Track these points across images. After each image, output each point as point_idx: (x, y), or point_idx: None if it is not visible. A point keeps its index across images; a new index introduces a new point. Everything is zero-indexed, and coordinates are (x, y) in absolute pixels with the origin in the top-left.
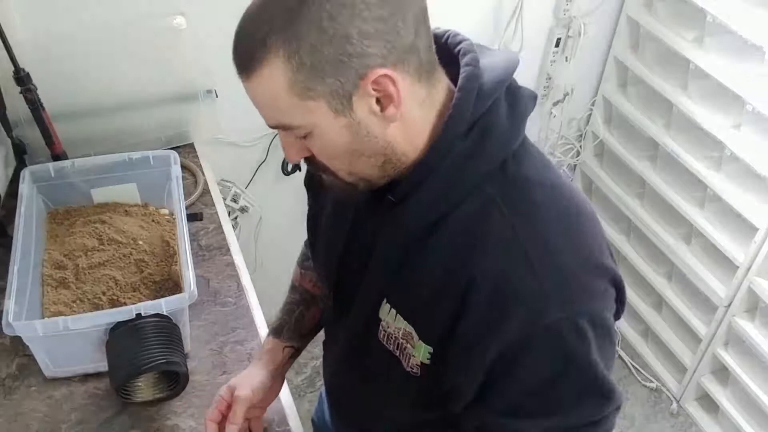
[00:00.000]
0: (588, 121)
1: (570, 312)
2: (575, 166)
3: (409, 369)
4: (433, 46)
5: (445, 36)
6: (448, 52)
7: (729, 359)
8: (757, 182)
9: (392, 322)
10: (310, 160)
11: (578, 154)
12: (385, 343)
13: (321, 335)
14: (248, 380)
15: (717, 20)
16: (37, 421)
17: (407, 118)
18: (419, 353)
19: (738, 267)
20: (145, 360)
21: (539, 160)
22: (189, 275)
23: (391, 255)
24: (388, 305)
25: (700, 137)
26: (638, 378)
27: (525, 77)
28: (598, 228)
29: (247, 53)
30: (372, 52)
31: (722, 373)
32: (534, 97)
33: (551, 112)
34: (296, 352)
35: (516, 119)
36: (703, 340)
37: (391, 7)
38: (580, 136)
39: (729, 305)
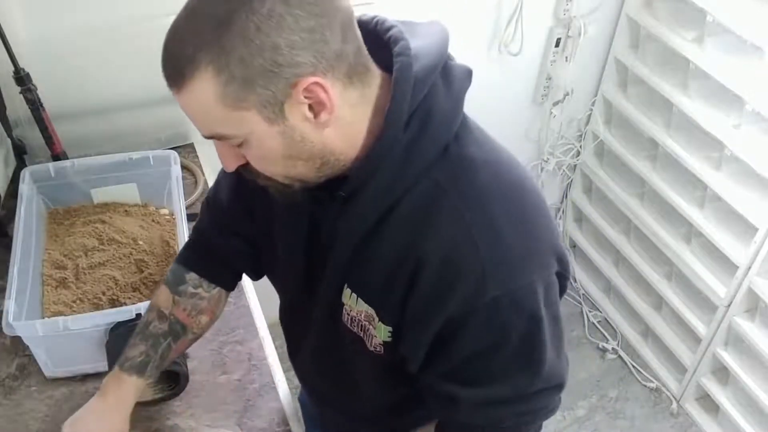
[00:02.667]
0: (588, 121)
1: (509, 290)
2: (575, 166)
3: (372, 348)
4: (363, 47)
5: (374, 22)
6: (377, 39)
7: (729, 359)
8: (757, 182)
9: (354, 305)
10: (247, 167)
11: (578, 154)
12: (349, 326)
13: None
14: (92, 429)
15: (717, 20)
16: (37, 421)
17: (342, 121)
18: (380, 333)
19: (738, 267)
20: None
21: (481, 138)
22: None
23: (349, 244)
24: (349, 290)
25: (700, 137)
26: (638, 378)
27: (525, 77)
28: (541, 202)
29: (176, 68)
30: (301, 61)
31: (722, 373)
32: (469, 73)
33: (551, 112)
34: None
35: (454, 100)
36: (703, 340)
37: (318, 17)
38: (580, 136)
39: (729, 305)
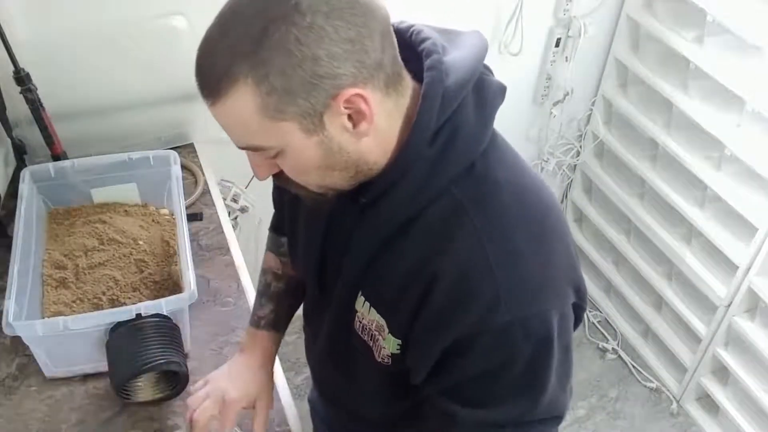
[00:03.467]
0: (588, 121)
1: (521, 317)
2: (575, 166)
3: (380, 360)
4: (398, 56)
5: (409, 32)
6: (412, 48)
7: (729, 359)
8: (757, 182)
9: (366, 313)
10: (279, 176)
11: (578, 154)
12: (360, 333)
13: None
14: (243, 384)
15: (717, 20)
16: (37, 421)
17: (378, 130)
18: (389, 345)
19: (738, 267)
20: (145, 360)
21: (509, 159)
22: (189, 275)
23: (365, 251)
24: (363, 297)
25: (700, 137)
26: (638, 378)
27: (525, 77)
28: (564, 232)
29: (213, 81)
30: (342, 72)
31: (722, 373)
32: (503, 90)
33: (551, 112)
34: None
35: (484, 117)
36: (703, 340)
37: (358, 27)
38: (580, 136)
39: (729, 305)
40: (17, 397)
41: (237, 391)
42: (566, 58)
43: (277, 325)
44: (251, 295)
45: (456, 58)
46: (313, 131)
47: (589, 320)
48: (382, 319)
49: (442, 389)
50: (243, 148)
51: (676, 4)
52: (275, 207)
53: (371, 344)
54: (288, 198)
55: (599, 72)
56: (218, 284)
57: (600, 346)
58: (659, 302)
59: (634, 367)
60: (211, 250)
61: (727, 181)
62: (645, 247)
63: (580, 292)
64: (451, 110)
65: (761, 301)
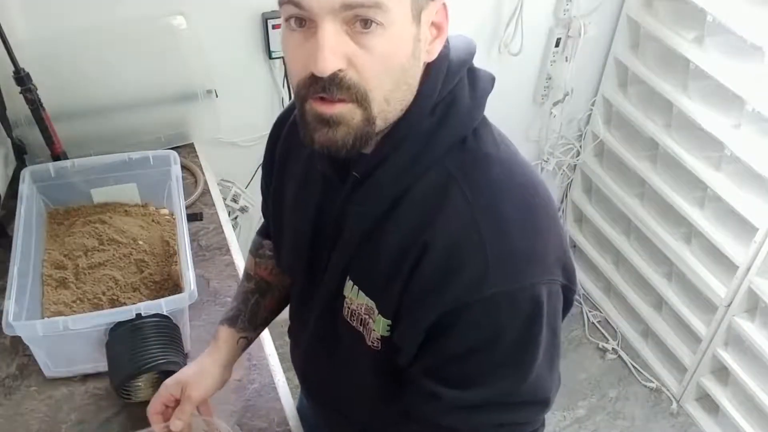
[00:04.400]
0: (588, 121)
1: (510, 289)
2: (575, 166)
3: (370, 343)
4: None
5: None
6: None
7: (729, 359)
8: (757, 182)
9: (355, 298)
10: (341, 79)
11: (578, 154)
12: (349, 320)
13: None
14: (201, 378)
15: (717, 20)
16: (37, 421)
17: (418, 71)
18: (379, 327)
19: (738, 267)
20: (145, 360)
21: (498, 139)
22: (189, 275)
23: (355, 231)
24: (351, 282)
25: (700, 137)
26: (638, 378)
27: (525, 77)
28: (552, 211)
29: None
30: None
31: (722, 373)
32: (492, 79)
33: (551, 112)
34: (247, 344)
35: (476, 98)
36: (703, 340)
37: None
38: (580, 136)
39: (729, 305)
40: (17, 397)
41: (196, 390)
42: (566, 58)
43: (234, 321)
44: None
45: (454, 42)
46: (414, 20)
47: (589, 320)
48: (371, 301)
49: (428, 368)
50: (350, 5)
51: (676, 4)
52: (264, 215)
53: (361, 329)
54: (273, 192)
55: (599, 72)
56: (218, 284)
57: (600, 346)
58: (659, 302)
59: (634, 367)
60: (211, 250)
61: (727, 181)
62: (645, 247)
63: (568, 272)
64: (452, 84)
65: (761, 301)
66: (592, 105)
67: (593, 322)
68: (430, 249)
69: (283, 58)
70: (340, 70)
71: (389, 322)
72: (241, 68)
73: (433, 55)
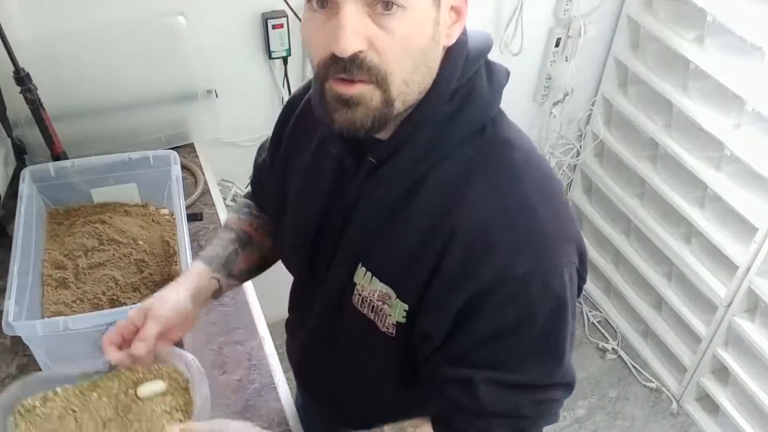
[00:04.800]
0: (588, 121)
1: (540, 268)
2: (575, 166)
3: (384, 330)
4: None
5: None
6: None
7: (729, 359)
8: (757, 182)
9: (367, 285)
10: (361, 60)
11: (578, 154)
12: (359, 307)
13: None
14: (165, 301)
15: (717, 20)
16: None
17: (438, 56)
18: (395, 313)
19: (738, 267)
20: None
21: (515, 127)
22: None
23: (371, 218)
24: (364, 268)
25: (700, 137)
26: (638, 378)
27: (525, 77)
28: (565, 197)
29: None
30: None
31: (722, 373)
32: (507, 73)
33: (551, 112)
34: (218, 291)
35: (493, 89)
36: (703, 340)
37: None
38: (580, 136)
39: (729, 305)
40: None
41: (160, 309)
42: (566, 58)
43: (209, 261)
44: (251, 295)
45: (472, 33)
46: (434, 3)
47: (589, 320)
48: (386, 287)
49: (455, 355)
50: None
51: (676, 4)
52: (254, 186)
53: (372, 316)
54: (275, 181)
55: (599, 72)
56: None
57: (600, 346)
58: (659, 302)
59: (634, 367)
60: None
61: (727, 181)
62: (645, 247)
63: (582, 256)
64: (471, 72)
65: (761, 301)
66: (592, 105)
67: (593, 322)
68: (459, 232)
69: (302, 42)
70: (360, 51)
71: (406, 307)
72: (241, 68)
73: (452, 39)
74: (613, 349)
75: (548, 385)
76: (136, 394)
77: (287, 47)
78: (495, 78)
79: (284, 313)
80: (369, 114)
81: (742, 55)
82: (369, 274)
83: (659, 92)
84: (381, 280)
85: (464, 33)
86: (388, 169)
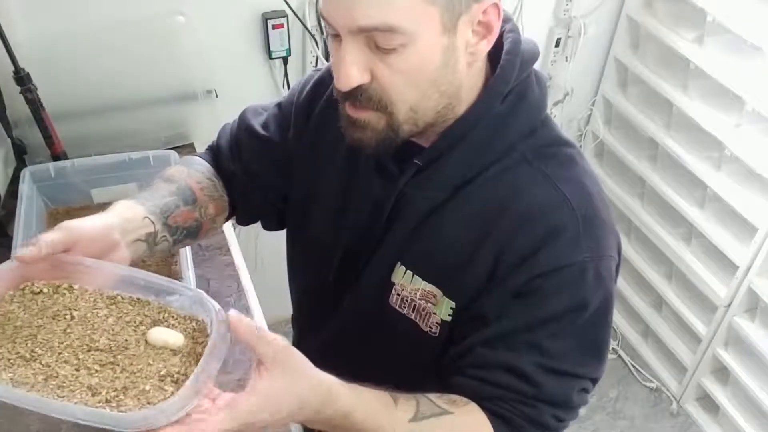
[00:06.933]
0: (588, 121)
1: (598, 256)
2: None
3: (427, 329)
4: None
5: None
6: None
7: (729, 359)
8: (757, 182)
9: (408, 284)
10: (363, 91)
11: None
12: (398, 307)
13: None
14: (82, 221)
15: (717, 20)
16: (37, 422)
17: (474, 70)
18: (440, 311)
19: (738, 267)
20: None
21: (560, 129)
22: (189, 275)
23: (415, 218)
24: (403, 267)
25: (700, 137)
26: (638, 378)
27: None
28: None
29: None
30: None
31: (722, 373)
32: (547, 79)
33: (551, 112)
34: (152, 237)
35: (542, 93)
36: (703, 340)
37: None
38: (580, 136)
39: (729, 305)
40: None
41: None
42: (566, 58)
43: (143, 202)
44: (251, 295)
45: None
46: (447, 31)
47: None
48: (430, 285)
49: (504, 339)
50: (365, 28)
51: (676, 4)
52: (232, 151)
53: (414, 316)
54: (300, 176)
55: (599, 72)
56: (218, 284)
57: None
58: (659, 302)
59: (634, 367)
60: (211, 250)
61: (727, 181)
62: (645, 247)
63: (620, 253)
64: (525, 74)
65: (761, 301)
66: (592, 105)
67: None
68: (520, 220)
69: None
70: (362, 84)
71: (453, 304)
72: (241, 68)
73: (480, 57)
74: (613, 349)
75: (589, 378)
76: (144, 335)
77: (287, 47)
78: (542, 83)
79: (284, 313)
80: (374, 137)
81: (742, 55)
82: (410, 273)
83: (659, 92)
84: (424, 279)
85: (517, 32)
86: (434, 170)
